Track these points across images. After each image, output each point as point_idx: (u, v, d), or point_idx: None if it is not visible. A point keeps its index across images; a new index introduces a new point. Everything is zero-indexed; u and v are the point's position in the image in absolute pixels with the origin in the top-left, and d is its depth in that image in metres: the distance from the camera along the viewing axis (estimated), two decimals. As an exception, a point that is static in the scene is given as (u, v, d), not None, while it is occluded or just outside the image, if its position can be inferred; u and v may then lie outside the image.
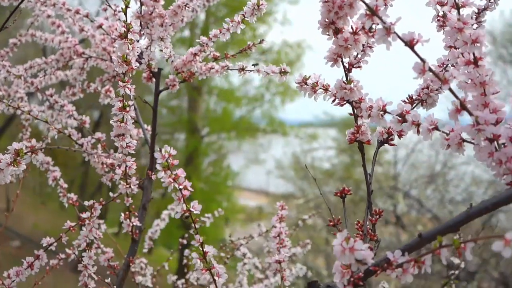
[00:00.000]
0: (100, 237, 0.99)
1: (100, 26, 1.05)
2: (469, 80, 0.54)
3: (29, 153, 0.66)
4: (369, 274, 0.53)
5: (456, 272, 1.12)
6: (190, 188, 0.62)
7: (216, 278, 0.64)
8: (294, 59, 10.68)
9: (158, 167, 0.60)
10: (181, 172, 0.62)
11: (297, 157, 10.42)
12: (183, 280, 1.33)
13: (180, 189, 0.61)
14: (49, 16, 1.18)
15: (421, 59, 0.50)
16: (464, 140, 0.53)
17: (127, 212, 0.94)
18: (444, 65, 0.67)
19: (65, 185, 1.08)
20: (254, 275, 1.38)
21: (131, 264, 0.97)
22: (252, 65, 0.94)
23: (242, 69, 0.93)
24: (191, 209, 0.62)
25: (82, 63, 1.19)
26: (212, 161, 11.80)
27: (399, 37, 0.49)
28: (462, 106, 0.51)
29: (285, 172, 10.81)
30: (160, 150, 0.60)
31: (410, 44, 0.50)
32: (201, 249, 0.64)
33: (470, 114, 0.50)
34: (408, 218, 6.93)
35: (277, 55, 10.41)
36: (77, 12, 1.08)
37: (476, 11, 0.71)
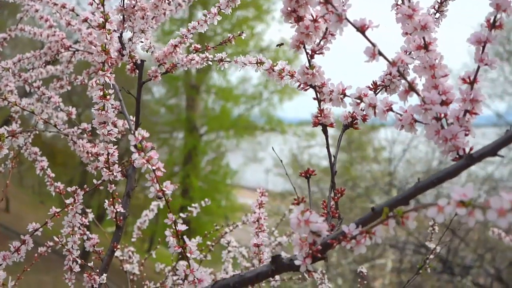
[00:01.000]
0: (85, 224, 1.02)
1: (85, 20, 1.08)
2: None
3: (10, 137, 0.70)
4: (327, 247, 0.56)
5: (431, 256, 1.15)
6: (163, 169, 0.65)
7: (188, 255, 0.67)
8: (292, 57, 10.71)
9: (132, 148, 0.64)
10: (154, 154, 0.65)
11: (295, 154, 10.47)
12: (169, 268, 1.37)
13: (154, 170, 0.64)
14: (37, 11, 1.22)
15: (372, 44, 0.53)
16: (416, 120, 0.57)
17: (111, 199, 0.98)
18: (407, 53, 0.71)
19: (53, 175, 1.11)
20: (241, 263, 1.42)
21: (115, 249, 1.00)
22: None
23: (221, 60, 0.97)
24: (164, 189, 0.65)
25: (69, 56, 1.22)
26: (211, 160, 11.84)
27: (350, 23, 0.53)
28: (410, 87, 0.54)
29: (283, 170, 10.80)
30: (134, 134, 0.63)
31: (361, 29, 0.53)
32: (174, 227, 0.67)
33: (418, 94, 0.54)
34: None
35: (275, 53, 10.45)
36: (63, 6, 1.12)
37: (439, 0, 0.74)
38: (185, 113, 11.33)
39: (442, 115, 0.54)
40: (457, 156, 0.53)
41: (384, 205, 0.53)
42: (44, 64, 1.23)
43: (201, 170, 11.41)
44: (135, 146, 0.63)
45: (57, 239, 1.14)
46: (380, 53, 0.53)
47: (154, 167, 0.64)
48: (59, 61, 1.32)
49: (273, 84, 12.04)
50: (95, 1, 0.99)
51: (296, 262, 0.57)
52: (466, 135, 0.54)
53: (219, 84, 12.02)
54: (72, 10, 1.13)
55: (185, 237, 0.67)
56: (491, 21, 0.54)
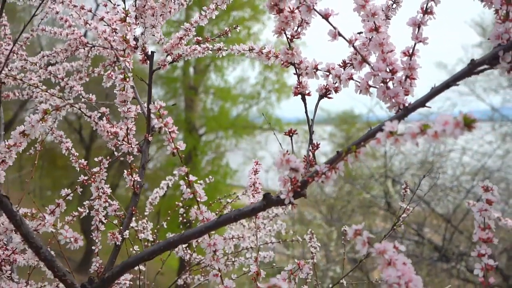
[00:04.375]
0: (107, 193, 1.20)
1: (102, 19, 1.25)
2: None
3: (54, 111, 0.87)
4: (305, 184, 0.74)
5: (405, 215, 1.32)
6: (176, 131, 0.83)
7: (198, 199, 0.85)
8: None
9: (152, 115, 0.81)
10: (169, 120, 0.83)
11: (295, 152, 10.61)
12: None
13: (170, 132, 0.82)
14: (57, 13, 1.39)
15: (333, 27, 0.71)
16: (370, 86, 0.74)
17: (129, 170, 1.15)
18: (369, 39, 0.88)
19: (76, 154, 1.29)
20: (242, 232, 1.59)
21: (133, 212, 1.18)
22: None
23: (219, 49, 1.14)
24: (178, 146, 0.83)
25: (87, 52, 1.40)
26: (210, 160, 12.01)
27: (317, 11, 0.70)
28: (363, 59, 0.72)
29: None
30: (154, 103, 0.81)
31: (325, 16, 0.71)
32: (186, 178, 0.85)
33: (369, 64, 0.72)
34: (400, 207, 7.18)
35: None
36: (82, 8, 1.29)
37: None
38: (184, 114, 11.49)
39: (388, 79, 0.71)
40: (398, 110, 0.70)
41: (345, 148, 0.71)
42: (64, 60, 1.40)
43: (201, 170, 11.56)
44: (155, 113, 0.81)
45: (81, 210, 1.32)
46: (340, 34, 0.71)
47: (170, 130, 0.82)
48: (77, 58, 1.50)
49: (271, 83, 12.23)
50: (110, 1, 1.17)
51: (282, 196, 0.75)
52: (406, 94, 0.71)
53: (217, 84, 12.20)
54: (90, 11, 1.30)
55: (195, 184, 0.85)
56: (424, 8, 0.72)
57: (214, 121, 11.73)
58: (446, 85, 0.66)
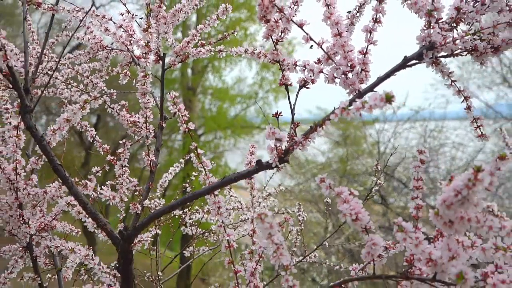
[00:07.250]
0: (128, 173, 1.43)
1: (120, 26, 1.49)
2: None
3: (93, 100, 1.11)
4: (287, 151, 0.98)
5: (376, 188, 1.56)
6: (187, 115, 1.07)
7: (205, 167, 1.09)
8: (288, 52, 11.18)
9: (168, 103, 1.05)
10: (182, 106, 1.07)
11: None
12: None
13: (182, 115, 1.06)
14: (81, 20, 1.63)
15: (306, 33, 0.95)
16: (335, 77, 0.99)
17: (147, 151, 1.39)
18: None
19: (100, 140, 1.52)
20: (239, 210, 1.83)
21: (150, 187, 1.42)
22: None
23: (220, 51, 1.38)
24: (189, 126, 1.07)
25: (106, 54, 1.64)
26: (209, 160, 12.23)
27: (293, 22, 0.95)
28: (328, 57, 0.96)
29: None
30: (170, 93, 1.05)
31: (300, 25, 0.95)
32: (196, 151, 1.09)
33: (333, 60, 0.96)
34: (395, 199, 7.45)
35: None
36: (103, 16, 1.53)
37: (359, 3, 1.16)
38: (183, 115, 11.68)
39: (348, 72, 0.95)
40: (355, 94, 0.95)
41: (322, 119, 0.95)
42: (87, 61, 1.64)
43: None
44: (170, 101, 1.05)
45: (105, 189, 1.55)
46: (311, 39, 0.95)
47: (182, 114, 1.06)
48: (97, 59, 1.73)
49: (268, 83, 12.45)
50: (129, 13, 1.41)
51: (270, 161, 0.99)
52: (361, 83, 0.96)
53: (215, 85, 12.44)
54: (110, 19, 1.54)
55: (203, 157, 1.09)
56: (374, 18, 0.96)
57: (213, 121, 11.95)
58: (387, 75, 0.90)
